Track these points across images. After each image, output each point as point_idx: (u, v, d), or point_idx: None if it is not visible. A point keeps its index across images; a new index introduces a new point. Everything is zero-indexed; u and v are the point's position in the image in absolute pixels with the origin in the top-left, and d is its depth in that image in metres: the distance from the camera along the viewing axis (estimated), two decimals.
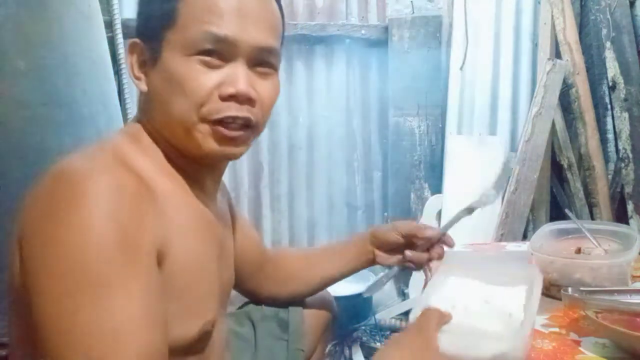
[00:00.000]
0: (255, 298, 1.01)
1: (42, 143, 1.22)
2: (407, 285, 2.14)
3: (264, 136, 2.24)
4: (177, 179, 0.67)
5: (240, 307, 1.03)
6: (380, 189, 2.43)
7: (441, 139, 2.30)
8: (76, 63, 1.34)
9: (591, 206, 2.11)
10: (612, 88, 2.08)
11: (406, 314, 2.03)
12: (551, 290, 0.97)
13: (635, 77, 2.05)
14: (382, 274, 0.98)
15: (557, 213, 2.11)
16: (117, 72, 1.91)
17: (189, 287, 0.63)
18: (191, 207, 0.67)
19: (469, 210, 0.87)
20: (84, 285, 0.49)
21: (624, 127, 2.07)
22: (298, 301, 1.01)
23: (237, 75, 0.64)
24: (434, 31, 2.26)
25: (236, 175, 2.25)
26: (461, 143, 2.20)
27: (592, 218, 2.09)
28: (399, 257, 0.94)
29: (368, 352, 1.85)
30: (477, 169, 2.07)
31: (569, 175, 2.11)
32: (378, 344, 1.87)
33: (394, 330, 1.94)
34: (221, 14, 0.62)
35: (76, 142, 0.63)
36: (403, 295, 2.21)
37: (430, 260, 0.91)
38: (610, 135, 2.13)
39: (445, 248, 0.92)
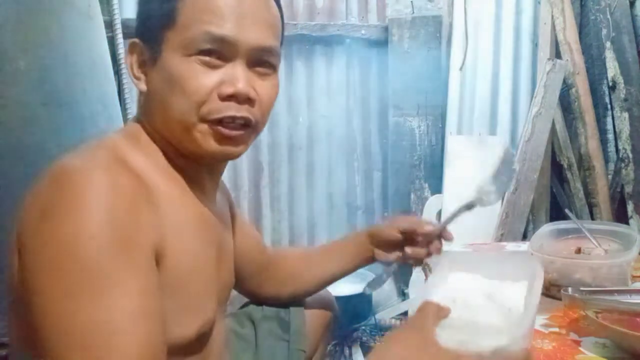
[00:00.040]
0: (255, 298, 1.01)
1: (42, 143, 1.22)
2: (407, 285, 2.14)
3: (264, 136, 2.24)
4: (176, 178, 0.67)
5: (241, 308, 1.03)
6: (380, 189, 2.43)
7: (441, 139, 2.30)
8: (76, 63, 1.34)
9: (591, 206, 2.11)
10: (612, 88, 2.09)
11: (406, 314, 2.03)
12: (551, 290, 0.97)
13: (635, 77, 2.05)
14: (382, 271, 0.97)
15: (557, 213, 2.11)
16: (117, 72, 1.91)
17: (187, 287, 0.63)
18: (190, 207, 0.67)
19: (469, 206, 0.87)
20: (82, 284, 0.49)
21: (624, 127, 2.07)
22: (299, 301, 1.01)
23: (237, 75, 0.64)
24: (434, 31, 2.26)
25: (236, 175, 2.25)
26: (461, 143, 2.20)
27: (592, 218, 2.09)
28: (398, 253, 0.93)
29: (368, 352, 1.84)
30: (477, 169, 2.07)
31: (569, 175, 2.11)
32: (378, 343, 1.87)
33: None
34: (221, 14, 0.62)
35: (76, 142, 0.63)
36: (403, 295, 2.21)
37: (429, 255, 0.91)
38: (610, 135, 2.13)
39: (446, 248, 0.92)
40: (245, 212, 2.25)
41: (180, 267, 0.61)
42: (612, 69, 2.07)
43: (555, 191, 2.16)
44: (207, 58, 0.63)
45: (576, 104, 2.12)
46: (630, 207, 2.06)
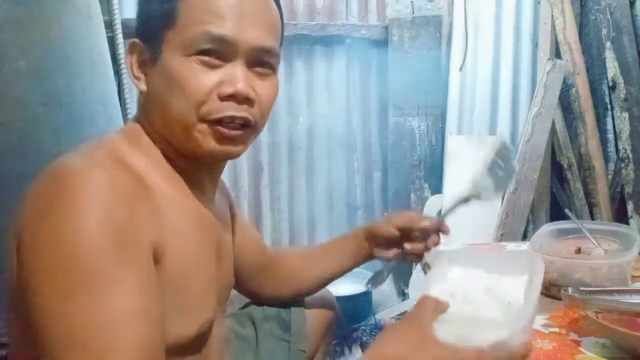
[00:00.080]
0: (256, 298, 1.01)
1: (42, 143, 1.22)
2: (407, 285, 2.14)
3: (264, 136, 2.24)
4: (175, 178, 0.67)
5: (242, 308, 1.03)
6: (380, 189, 2.43)
7: (441, 139, 2.30)
8: (76, 63, 1.34)
9: (591, 206, 2.11)
10: (612, 88, 2.09)
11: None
12: (551, 290, 0.97)
13: (635, 77, 2.05)
14: (382, 267, 0.97)
15: (557, 213, 2.11)
16: (117, 72, 1.91)
17: (186, 287, 0.63)
18: (189, 207, 0.67)
19: (465, 199, 0.87)
20: (82, 283, 0.49)
21: (624, 127, 2.07)
22: (299, 301, 1.01)
23: (236, 75, 0.64)
24: (434, 31, 2.26)
25: (236, 175, 2.25)
26: (461, 143, 2.20)
27: (592, 218, 2.09)
28: (396, 250, 0.93)
29: None
30: (477, 169, 2.07)
31: (569, 175, 2.11)
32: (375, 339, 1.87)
33: None
34: (221, 14, 0.62)
35: (76, 142, 0.63)
36: (403, 295, 2.21)
37: (427, 249, 0.91)
38: (610, 135, 2.14)
39: (446, 248, 0.92)
40: (245, 212, 2.25)
41: (179, 266, 0.61)
42: (612, 69, 2.07)
43: (555, 191, 2.16)
44: (206, 58, 0.63)
45: (576, 104, 2.12)
46: (630, 207, 2.06)
